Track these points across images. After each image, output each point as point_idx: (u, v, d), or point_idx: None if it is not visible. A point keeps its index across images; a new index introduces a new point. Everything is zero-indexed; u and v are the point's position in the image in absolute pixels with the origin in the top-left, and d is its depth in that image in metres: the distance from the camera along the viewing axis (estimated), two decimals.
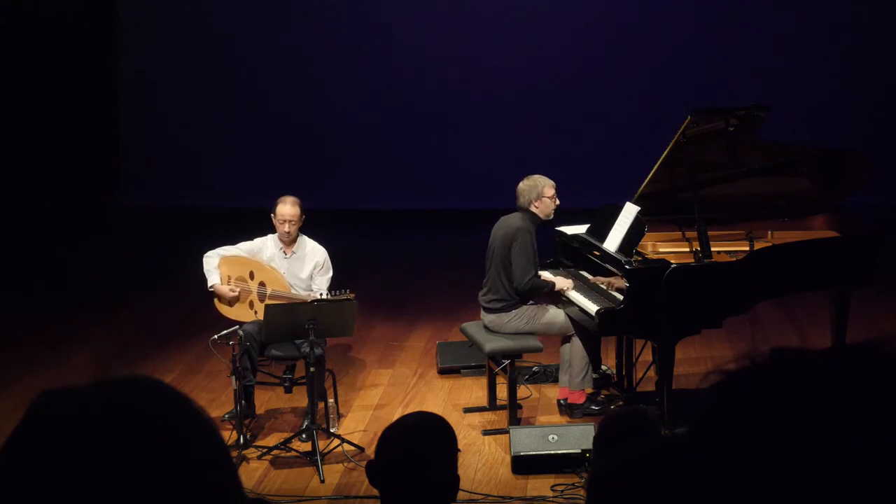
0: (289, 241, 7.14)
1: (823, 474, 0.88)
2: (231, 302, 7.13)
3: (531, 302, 7.17)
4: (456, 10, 13.45)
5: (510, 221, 7.13)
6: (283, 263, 7.15)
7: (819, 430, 0.89)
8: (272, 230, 7.20)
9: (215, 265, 7.14)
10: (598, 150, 13.21)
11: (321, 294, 6.93)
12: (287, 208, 7.08)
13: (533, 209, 7.07)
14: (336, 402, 7.23)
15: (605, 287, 6.97)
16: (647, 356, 7.17)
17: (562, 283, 7.16)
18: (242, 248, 7.20)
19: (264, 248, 7.20)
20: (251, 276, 7.10)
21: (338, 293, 6.84)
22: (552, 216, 7.15)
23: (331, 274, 7.19)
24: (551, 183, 7.11)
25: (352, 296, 6.81)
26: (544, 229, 7.60)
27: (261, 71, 13.67)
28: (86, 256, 11.93)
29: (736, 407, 0.93)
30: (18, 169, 13.18)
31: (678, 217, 7.20)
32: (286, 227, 7.07)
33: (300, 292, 7.06)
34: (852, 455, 0.88)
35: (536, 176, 7.15)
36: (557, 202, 7.13)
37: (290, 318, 6.60)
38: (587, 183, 12.11)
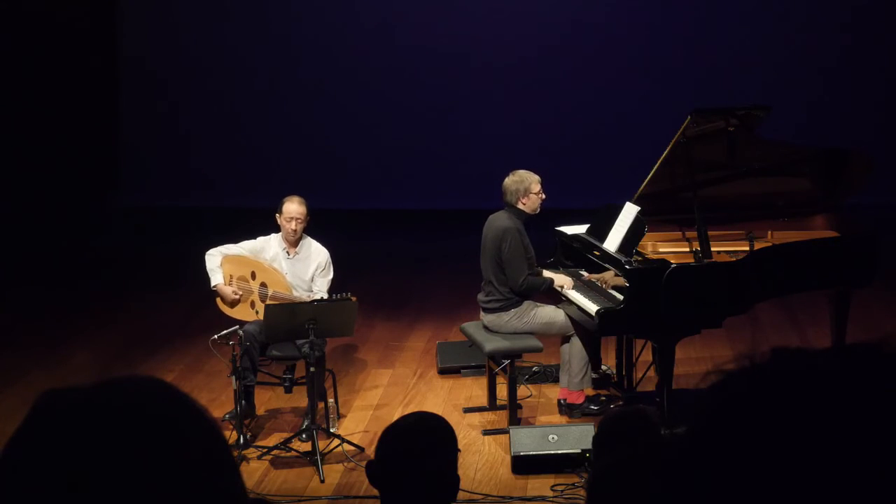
0: (294, 241, 7.14)
1: (823, 474, 0.88)
2: (232, 303, 7.14)
3: (530, 301, 7.16)
4: (456, 9, 13.45)
5: (497, 222, 7.12)
6: (286, 264, 7.15)
7: (819, 431, 0.90)
8: (275, 230, 7.20)
9: (218, 264, 7.14)
10: (598, 149, 13.20)
11: (321, 296, 6.93)
12: (294, 206, 7.08)
13: (520, 206, 7.06)
14: (336, 402, 7.23)
15: (599, 283, 6.97)
16: (647, 356, 7.17)
17: (561, 280, 7.15)
18: (245, 247, 7.20)
19: (267, 247, 7.19)
20: (252, 276, 7.10)
21: (339, 296, 6.84)
22: (539, 210, 7.14)
23: (331, 276, 7.19)
24: (537, 178, 7.10)
25: (353, 299, 6.81)
26: (545, 229, 7.61)
27: (262, 71, 13.67)
28: (86, 256, 11.93)
29: (735, 407, 0.94)
30: (19, 169, 13.18)
31: (678, 217, 7.20)
32: (293, 226, 7.06)
33: (302, 294, 7.05)
34: (852, 455, 0.89)
35: (521, 171, 7.13)
36: (544, 196, 7.12)
37: (290, 318, 6.60)
38: (587, 183, 12.12)
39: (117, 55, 13.89)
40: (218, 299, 7.20)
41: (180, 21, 13.69)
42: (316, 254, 7.20)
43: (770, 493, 0.90)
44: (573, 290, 7.10)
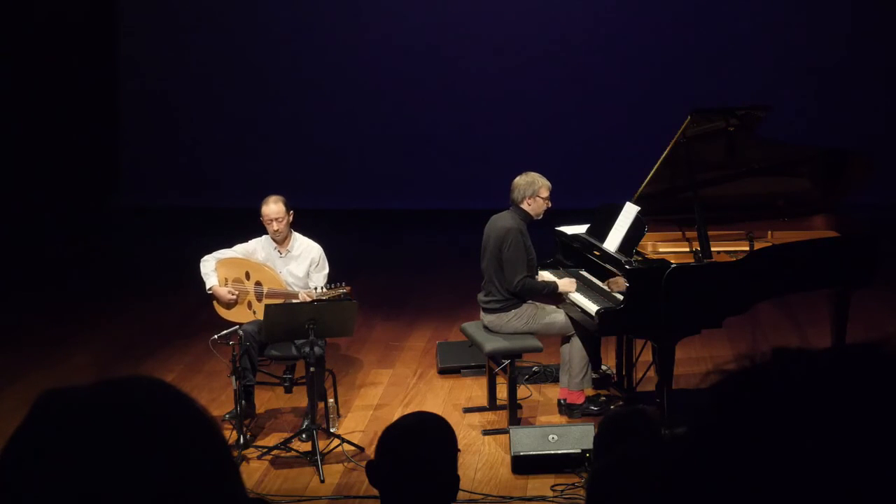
0: (280, 240, 7.15)
1: (823, 474, 0.88)
2: (229, 304, 7.14)
3: (530, 302, 7.16)
4: (455, 10, 13.45)
5: (500, 222, 7.12)
6: (280, 263, 7.16)
7: (819, 430, 0.90)
8: (266, 232, 7.20)
9: (212, 268, 7.15)
10: (598, 149, 13.20)
11: (317, 288, 6.94)
12: (270, 207, 7.09)
13: (525, 206, 7.06)
14: (336, 402, 7.23)
15: (607, 288, 6.95)
16: (647, 356, 7.17)
17: (565, 285, 7.11)
18: (237, 250, 7.22)
19: (259, 248, 7.20)
20: (247, 276, 7.10)
21: (334, 286, 6.86)
22: (541, 216, 7.14)
23: (327, 270, 7.19)
24: (548, 185, 7.09)
25: (347, 289, 6.83)
26: (544, 229, 7.60)
27: (261, 72, 13.67)
28: (86, 256, 11.93)
29: (736, 407, 0.94)
30: (19, 169, 13.18)
31: (678, 217, 7.20)
32: (274, 226, 7.08)
33: (297, 290, 7.05)
34: (852, 455, 0.89)
35: (535, 174, 7.13)
36: (549, 204, 7.12)
37: (290, 318, 6.60)
38: (587, 183, 12.11)
39: (117, 55, 13.89)
40: (215, 303, 7.20)
41: (180, 21, 13.69)
42: (308, 250, 7.20)
43: (770, 493, 0.90)
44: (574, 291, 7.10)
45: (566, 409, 7.22)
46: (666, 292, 6.47)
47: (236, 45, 13.62)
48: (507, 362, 7.05)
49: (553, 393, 7.50)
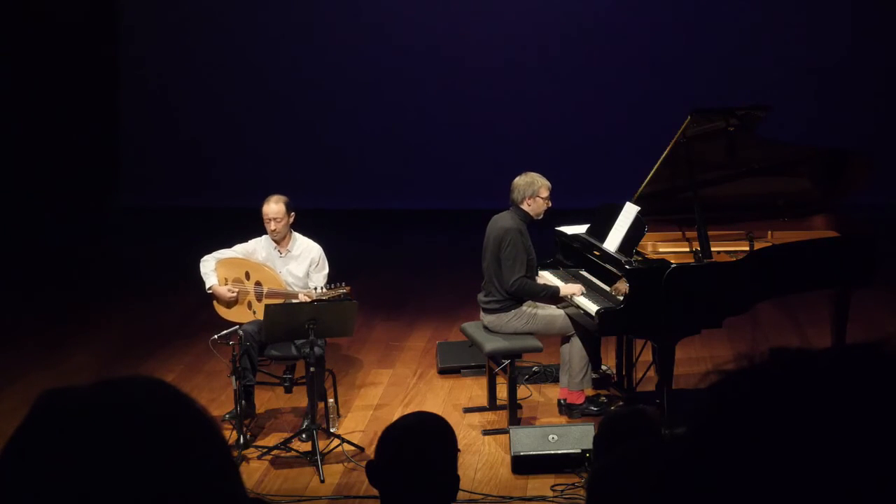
0: (279, 240, 7.15)
1: (823, 474, 0.88)
2: (229, 304, 7.13)
3: (530, 302, 7.16)
4: (456, 10, 13.45)
5: (501, 222, 7.12)
6: (279, 263, 7.16)
7: (818, 430, 0.90)
8: (266, 231, 7.21)
9: (212, 268, 7.15)
10: (598, 149, 13.20)
11: (317, 288, 6.95)
12: (271, 207, 7.09)
13: (525, 206, 7.06)
14: (336, 402, 7.23)
15: (613, 293, 6.94)
16: (647, 356, 7.18)
17: (568, 289, 7.10)
18: (237, 250, 7.21)
19: (258, 248, 7.20)
20: (247, 276, 7.10)
21: (334, 286, 6.86)
22: (542, 216, 7.14)
23: (327, 270, 7.19)
24: (548, 185, 7.09)
25: (347, 289, 6.83)
26: (544, 229, 7.60)
27: (262, 71, 13.67)
28: (86, 257, 11.92)
29: (735, 407, 0.94)
30: (19, 169, 13.18)
31: (678, 217, 7.20)
32: (272, 226, 7.08)
33: (297, 290, 7.06)
34: (852, 455, 0.89)
35: (534, 174, 7.14)
36: (549, 204, 7.12)
37: (290, 318, 6.60)
38: (587, 183, 12.11)
39: (117, 55, 13.89)
40: (215, 302, 7.20)
41: (180, 21, 13.69)
42: (308, 250, 7.20)
43: (770, 493, 0.90)
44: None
45: (566, 409, 7.22)
46: (666, 292, 6.47)
47: (236, 45, 13.62)
48: (507, 362, 7.05)
49: (553, 393, 7.50)
